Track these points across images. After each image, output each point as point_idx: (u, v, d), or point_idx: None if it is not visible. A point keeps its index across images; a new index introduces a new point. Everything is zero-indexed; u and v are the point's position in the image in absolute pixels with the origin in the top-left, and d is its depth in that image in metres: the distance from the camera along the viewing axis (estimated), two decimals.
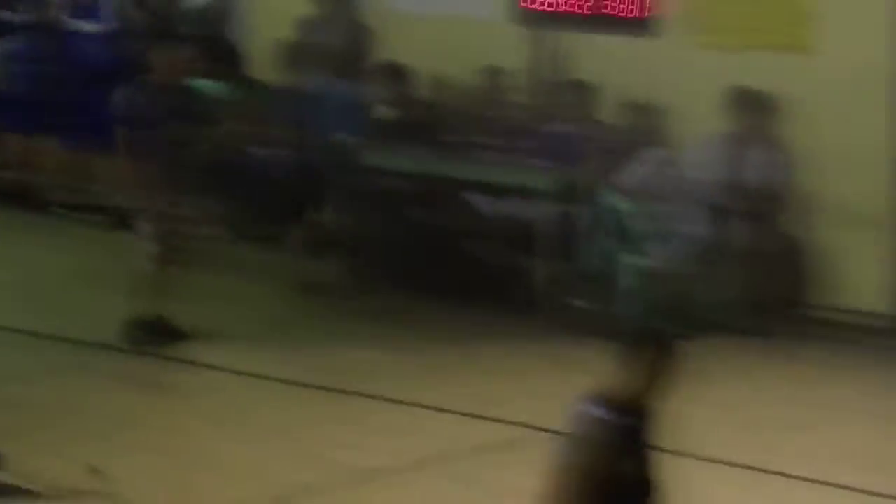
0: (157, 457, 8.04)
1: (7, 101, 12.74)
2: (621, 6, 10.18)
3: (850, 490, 7.80)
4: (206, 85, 10.95)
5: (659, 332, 5.11)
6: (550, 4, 10.28)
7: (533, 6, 10.24)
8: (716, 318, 9.39)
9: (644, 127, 9.69)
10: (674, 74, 10.04)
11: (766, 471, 8.00)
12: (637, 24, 10.01)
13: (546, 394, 8.35)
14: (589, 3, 10.16)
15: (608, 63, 10.18)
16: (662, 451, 5.32)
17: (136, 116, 9.23)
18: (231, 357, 9.45)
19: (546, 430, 7.41)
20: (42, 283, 11.13)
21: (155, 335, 9.00)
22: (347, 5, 11.46)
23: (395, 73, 10.43)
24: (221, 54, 12.00)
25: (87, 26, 12.85)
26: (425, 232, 10.54)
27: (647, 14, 9.98)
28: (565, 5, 10.25)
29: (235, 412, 8.75)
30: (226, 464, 8.05)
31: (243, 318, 10.21)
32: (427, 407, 8.78)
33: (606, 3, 10.09)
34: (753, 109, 9.48)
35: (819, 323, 9.90)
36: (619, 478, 4.68)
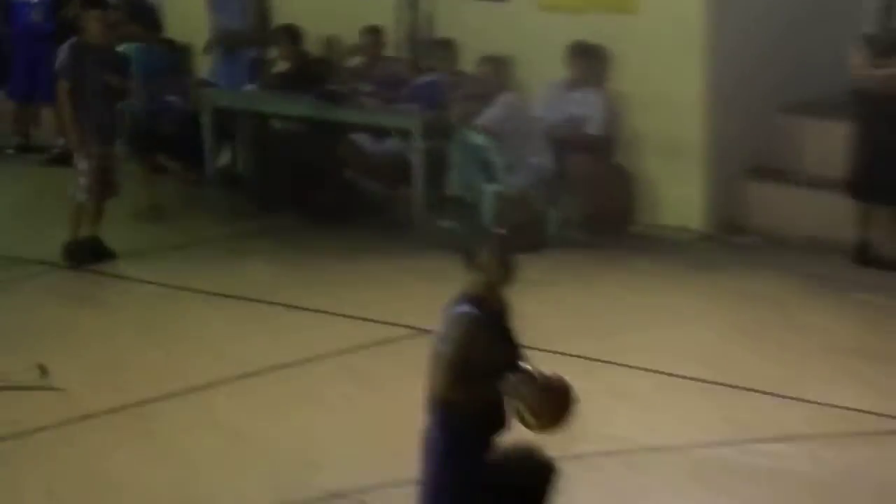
0: (91, 359, 8.88)
1: None
2: None
3: (678, 377, 8.76)
4: (130, 46, 11.88)
5: (506, 239, 5.66)
6: None
7: None
8: (558, 233, 10.34)
9: (498, 76, 10.46)
10: (523, 32, 11.08)
11: (606, 361, 8.91)
12: None
13: (419, 299, 9.36)
14: None
15: (469, 24, 11.22)
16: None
17: (72, 72, 10.13)
18: (153, 272, 10.46)
19: (420, 329, 8.68)
20: None
21: (88, 255, 9.98)
22: None
23: (291, 34, 11.46)
24: (144, 18, 12.71)
25: None
26: (317, 166, 11.38)
27: None
28: None
29: (157, 318, 9.72)
30: (149, 363, 8.98)
31: (163, 239, 11.19)
32: (320, 311, 9.71)
33: None
34: (588, 60, 10.39)
35: (645, 237, 11.02)
36: (490, 360, 5.20)
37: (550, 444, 6.28)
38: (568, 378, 6.33)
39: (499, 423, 5.39)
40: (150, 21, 12.74)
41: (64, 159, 11.80)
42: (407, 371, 8.26)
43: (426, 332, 8.18)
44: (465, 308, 5.32)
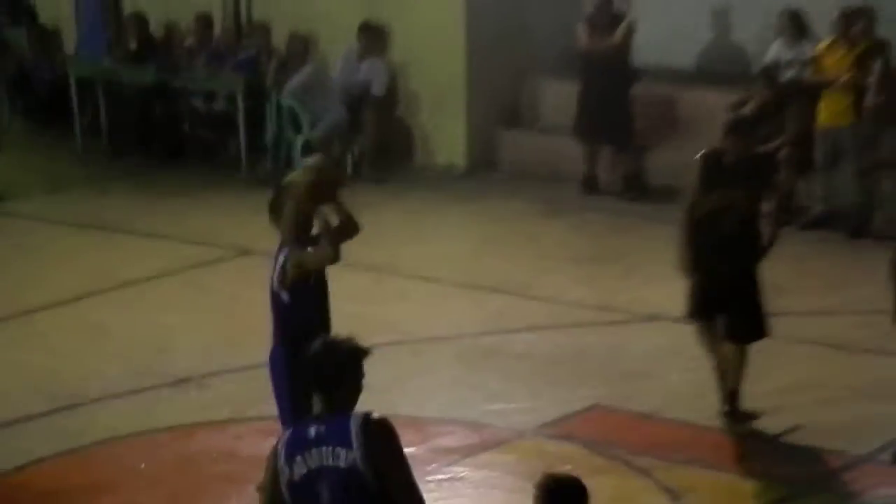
0: None
1: None
2: None
3: (447, 282, 10.36)
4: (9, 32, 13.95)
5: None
6: None
7: None
8: (353, 171, 11.82)
9: (303, 50, 12.14)
10: (323, 14, 12.82)
11: (390, 272, 10.48)
12: None
13: (248, 226, 10.66)
14: None
15: (280, 8, 12.98)
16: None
17: None
18: (36, 209, 12.14)
19: (247, 250, 10.33)
20: None
21: None
22: None
23: (140, 20, 13.29)
24: (21, 7, 14.66)
25: None
26: (164, 121, 13.22)
27: None
28: None
29: (42, 244, 11.26)
30: (30, 279, 10.61)
31: (43, 182, 12.75)
32: (167, 237, 11.18)
33: None
34: (372, 35, 11.98)
35: (420, 174, 12.74)
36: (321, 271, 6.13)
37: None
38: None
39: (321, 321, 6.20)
40: (27, 11, 14.49)
41: None
42: (240, 281, 10.02)
43: (252, 252, 10.20)
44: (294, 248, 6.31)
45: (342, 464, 4.54)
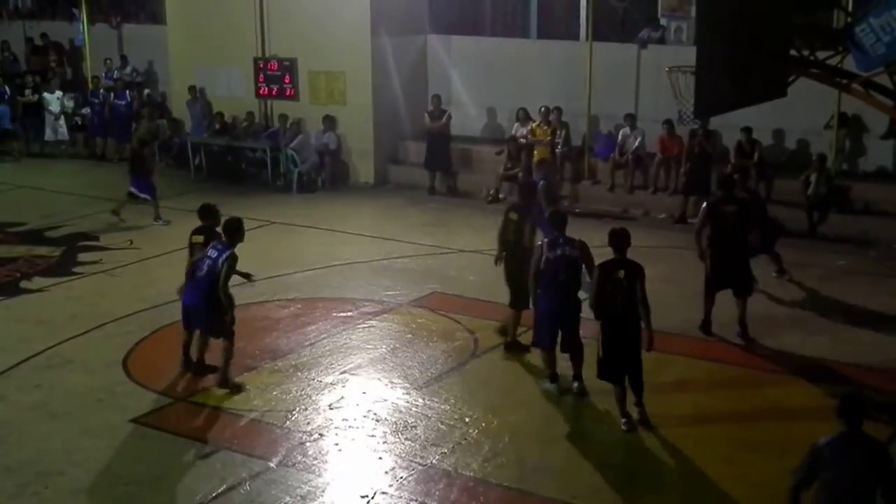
0: None
1: None
2: None
3: (365, 237, 15.49)
4: (159, 121, 20.39)
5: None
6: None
7: None
8: (319, 186, 18.86)
9: (297, 129, 19.27)
10: (305, 112, 19.83)
11: (339, 231, 15.91)
12: None
13: (272, 210, 17.24)
14: None
15: (285, 109, 19.88)
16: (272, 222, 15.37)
17: None
18: (173, 204, 17.04)
19: (273, 222, 16.34)
20: None
21: None
22: None
23: (220, 115, 20.17)
24: (163, 108, 21.71)
25: None
26: (232, 164, 20.16)
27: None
28: None
29: (175, 221, 16.00)
30: (169, 240, 14.69)
31: (176, 191, 18.13)
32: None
33: None
34: (329, 121, 19.29)
35: (352, 187, 19.45)
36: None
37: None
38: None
39: None
40: (167, 110, 21.20)
41: None
42: (270, 236, 15.25)
43: (275, 222, 16.28)
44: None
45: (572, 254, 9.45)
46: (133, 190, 16.50)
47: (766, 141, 17.61)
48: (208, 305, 10.04)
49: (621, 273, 9.30)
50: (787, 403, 10.06)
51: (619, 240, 9.20)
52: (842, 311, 12.56)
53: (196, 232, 10.71)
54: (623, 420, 9.46)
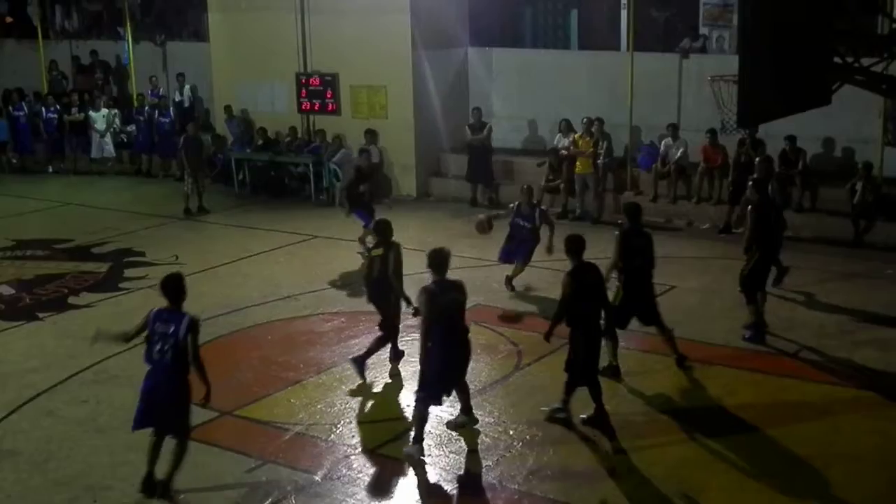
0: None
1: None
2: None
3: (413, 245, 12.79)
4: (203, 136, 20.39)
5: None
6: None
7: None
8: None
9: (339, 143, 19.33)
10: (347, 127, 20.10)
11: (299, 233, 16.70)
12: None
13: (315, 224, 17.61)
14: None
15: (325, 124, 20.28)
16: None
17: None
18: (217, 218, 18.20)
19: (316, 237, 16.67)
20: None
21: None
22: None
23: (263, 130, 20.65)
24: (206, 124, 21.81)
25: None
26: (275, 178, 20.40)
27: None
28: None
29: (220, 235, 17.19)
30: (217, 253, 15.78)
31: (220, 206, 19.07)
32: (277, 231, 16.89)
33: None
34: (371, 135, 19.29)
35: (396, 199, 19.50)
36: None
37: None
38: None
39: None
40: (210, 127, 21.80)
41: None
42: (312, 250, 15.74)
43: (318, 237, 16.70)
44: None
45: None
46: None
47: (813, 150, 17.67)
48: (173, 395, 8.28)
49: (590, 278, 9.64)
50: (833, 412, 10.12)
51: (578, 244, 9.59)
52: (890, 321, 12.59)
53: (376, 246, 11.12)
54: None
